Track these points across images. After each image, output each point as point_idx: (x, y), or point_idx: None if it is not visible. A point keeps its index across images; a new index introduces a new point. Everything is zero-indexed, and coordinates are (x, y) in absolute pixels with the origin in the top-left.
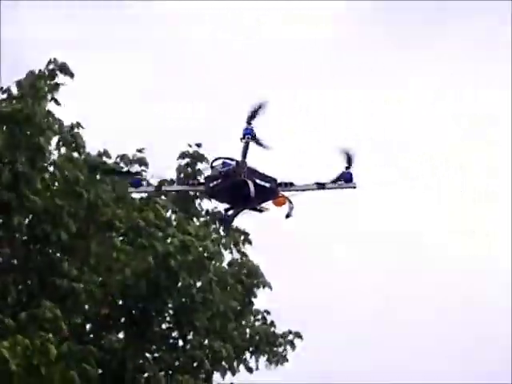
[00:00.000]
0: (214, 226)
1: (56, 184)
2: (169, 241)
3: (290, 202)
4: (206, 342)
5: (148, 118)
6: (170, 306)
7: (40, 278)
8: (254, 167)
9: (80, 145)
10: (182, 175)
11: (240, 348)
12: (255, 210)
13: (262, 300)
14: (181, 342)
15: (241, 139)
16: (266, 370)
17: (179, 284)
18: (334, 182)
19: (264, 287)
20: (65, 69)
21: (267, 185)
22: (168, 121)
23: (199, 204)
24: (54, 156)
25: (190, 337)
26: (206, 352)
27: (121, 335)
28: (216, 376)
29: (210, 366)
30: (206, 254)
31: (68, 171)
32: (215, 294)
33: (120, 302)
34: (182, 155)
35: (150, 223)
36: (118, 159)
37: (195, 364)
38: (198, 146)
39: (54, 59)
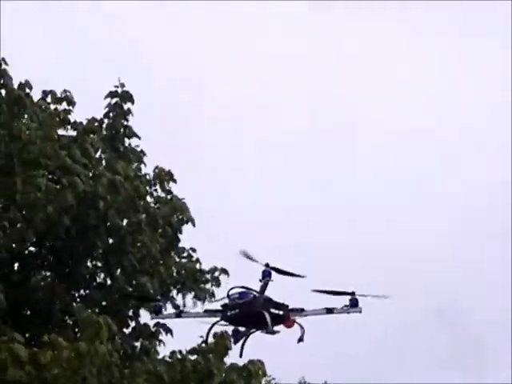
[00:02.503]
0: (136, 164)
1: None
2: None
3: (302, 327)
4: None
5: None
6: (99, 246)
7: None
8: (268, 297)
9: (6, 80)
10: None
11: (166, 285)
12: (267, 332)
13: (187, 237)
14: (109, 282)
15: (260, 280)
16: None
17: (108, 224)
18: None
19: (188, 222)
20: None
21: (280, 312)
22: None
23: (129, 144)
24: None
25: (117, 274)
26: (133, 289)
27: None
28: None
29: (137, 301)
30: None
31: None
32: (145, 235)
33: (48, 243)
34: (111, 94)
35: (78, 162)
36: (43, 94)
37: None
38: (123, 85)
39: None
